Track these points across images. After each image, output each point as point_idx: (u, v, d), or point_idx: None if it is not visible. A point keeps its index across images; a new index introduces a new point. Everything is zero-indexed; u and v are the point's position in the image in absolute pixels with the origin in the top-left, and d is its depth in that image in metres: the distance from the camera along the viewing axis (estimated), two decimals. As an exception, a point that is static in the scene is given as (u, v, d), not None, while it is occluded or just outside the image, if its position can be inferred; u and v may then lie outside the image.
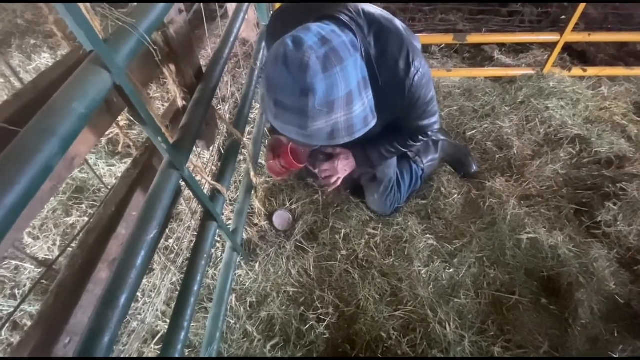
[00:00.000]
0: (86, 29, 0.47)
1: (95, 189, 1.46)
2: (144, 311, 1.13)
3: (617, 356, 1.06)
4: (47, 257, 1.26)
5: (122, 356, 1.04)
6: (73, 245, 1.18)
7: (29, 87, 0.50)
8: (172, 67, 0.86)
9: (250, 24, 2.10)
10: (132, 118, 0.63)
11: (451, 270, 1.27)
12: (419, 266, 1.27)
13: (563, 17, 2.45)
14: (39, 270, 1.22)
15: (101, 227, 0.67)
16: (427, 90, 0.93)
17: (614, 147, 1.63)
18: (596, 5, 2.31)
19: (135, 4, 0.65)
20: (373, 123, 0.80)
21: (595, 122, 1.77)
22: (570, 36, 1.79)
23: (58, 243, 1.28)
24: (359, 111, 0.75)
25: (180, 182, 0.77)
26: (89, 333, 0.52)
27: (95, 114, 0.57)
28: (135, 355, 1.04)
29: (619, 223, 1.36)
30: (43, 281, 1.12)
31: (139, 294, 1.17)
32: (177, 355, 0.75)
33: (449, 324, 1.13)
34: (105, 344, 0.52)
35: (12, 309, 1.06)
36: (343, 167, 1.17)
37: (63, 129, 0.43)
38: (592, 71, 1.98)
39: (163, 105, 1.75)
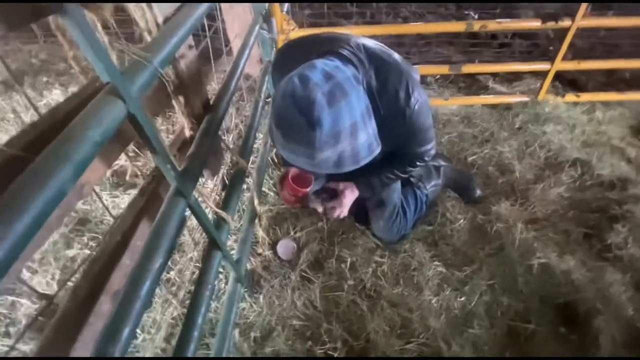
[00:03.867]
0: (105, 62, 0.49)
1: (98, 220, 1.45)
2: (142, 348, 1.08)
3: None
4: (45, 291, 1.22)
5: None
6: (73, 279, 1.15)
7: (46, 117, 0.51)
8: (182, 98, 0.88)
9: (253, 60, 2.20)
10: (141, 147, 0.64)
11: (462, 298, 1.22)
12: (429, 295, 1.23)
13: (551, 47, 2.57)
14: (36, 306, 1.18)
15: (106, 257, 0.66)
16: (426, 119, 0.97)
17: (615, 170, 1.64)
18: (582, 35, 2.42)
19: (149, 39, 0.69)
20: (378, 150, 0.82)
21: (594, 146, 1.80)
22: (561, 64, 1.86)
23: (57, 277, 1.25)
24: (364, 140, 0.77)
25: (186, 210, 0.76)
26: (89, 370, 0.49)
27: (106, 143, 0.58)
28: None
29: (629, 246, 1.33)
30: (40, 318, 1.08)
31: (137, 330, 1.12)
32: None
33: (465, 357, 1.07)
34: (107, 381, 0.49)
35: (7, 348, 1.01)
36: (349, 202, 1.19)
37: (77, 156, 0.43)
38: (585, 97, 2.04)
39: (168, 137, 1.79)
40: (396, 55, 0.92)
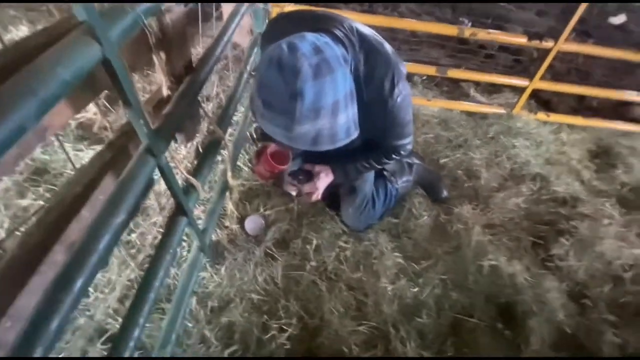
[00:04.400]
0: (84, -2, 0.46)
1: (57, 172, 1.37)
2: (94, 307, 1.05)
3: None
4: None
5: (63, 356, 0.95)
6: (22, 229, 1.09)
7: (11, 48, 0.48)
8: (163, 55, 0.84)
9: (244, 30, 2.12)
10: (112, 102, 0.61)
11: (416, 289, 1.29)
12: (386, 283, 1.28)
13: (532, 67, 2.69)
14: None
15: (63, 207, 0.63)
16: (407, 112, 0.99)
17: (569, 188, 1.77)
18: (562, 59, 2.55)
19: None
20: (355, 135, 0.83)
21: (555, 164, 1.93)
22: (538, 83, 1.96)
23: (6, 225, 1.17)
24: (343, 121, 0.78)
25: (155, 171, 0.74)
26: (36, 316, 0.48)
27: (76, 87, 0.55)
28: (78, 355, 0.95)
29: (570, 258, 1.46)
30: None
31: (90, 288, 1.09)
32: (127, 355, 0.70)
33: (410, 342, 1.14)
34: (53, 329, 0.48)
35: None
36: (324, 185, 1.19)
37: (44, 92, 0.41)
38: (554, 117, 2.17)
39: (144, 96, 1.70)
40: (387, 46, 0.93)
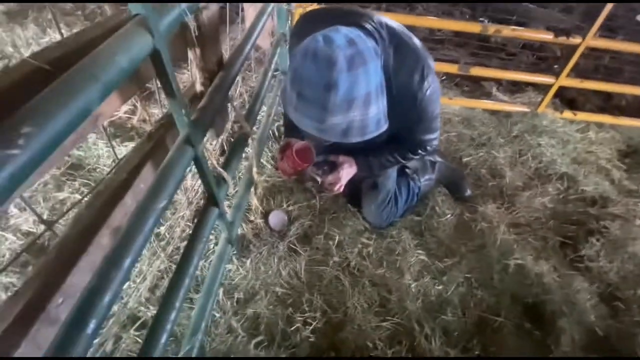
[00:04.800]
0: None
1: (91, 168, 1.43)
2: (126, 295, 1.09)
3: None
4: (31, 229, 1.21)
5: (97, 340, 0.99)
6: (62, 221, 1.14)
7: (72, 38, 0.51)
8: (198, 51, 0.88)
9: (265, 32, 2.17)
10: (144, 99, 0.64)
11: (440, 287, 1.28)
12: (409, 280, 1.28)
13: (556, 65, 2.63)
14: (21, 242, 1.18)
15: (110, 192, 0.66)
16: (435, 106, 0.99)
17: (598, 188, 1.71)
18: (587, 57, 2.48)
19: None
20: (385, 127, 0.84)
21: (582, 164, 1.87)
22: (565, 81, 1.91)
23: (45, 217, 1.24)
24: (374, 113, 0.79)
25: (192, 159, 0.77)
26: (90, 290, 0.51)
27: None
28: (112, 339, 0.99)
29: (600, 259, 1.41)
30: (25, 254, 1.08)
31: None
32: (163, 341, 0.72)
33: (435, 340, 1.13)
34: (106, 303, 0.51)
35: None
36: (347, 176, 1.20)
37: (105, 77, 0.44)
38: (581, 116, 2.11)
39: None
40: (416, 40, 0.93)
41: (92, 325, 0.49)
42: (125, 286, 1.12)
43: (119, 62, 0.46)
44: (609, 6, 1.63)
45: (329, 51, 0.70)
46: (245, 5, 1.90)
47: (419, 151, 1.13)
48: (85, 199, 0.63)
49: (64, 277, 0.58)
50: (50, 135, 0.37)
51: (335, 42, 0.71)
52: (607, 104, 2.54)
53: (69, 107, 0.39)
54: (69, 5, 2.02)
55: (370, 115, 0.78)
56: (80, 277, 0.61)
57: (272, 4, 1.38)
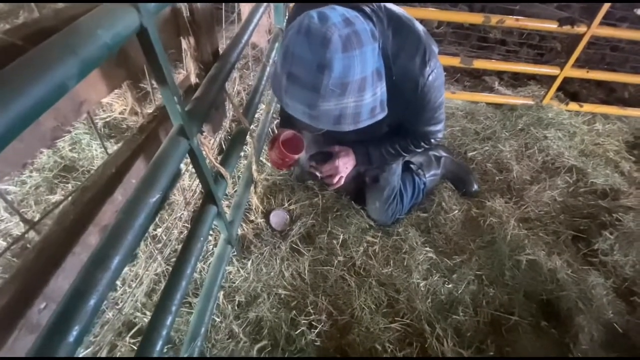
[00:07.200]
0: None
1: (85, 170, 1.38)
2: (121, 301, 1.04)
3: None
4: (21, 233, 1.16)
5: (91, 349, 0.94)
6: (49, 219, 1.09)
7: (51, 15, 0.46)
8: (192, 40, 0.83)
9: (262, 29, 2.13)
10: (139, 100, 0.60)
11: (450, 285, 1.23)
12: (418, 278, 1.22)
13: (557, 59, 2.59)
14: (12, 248, 1.12)
15: (98, 188, 0.61)
16: (439, 94, 0.93)
17: (608, 180, 1.66)
18: (588, 48, 2.44)
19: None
20: (380, 116, 0.79)
21: (590, 156, 1.82)
22: (570, 71, 1.87)
23: (36, 220, 1.18)
24: (369, 100, 0.74)
25: (187, 152, 0.72)
26: (73, 292, 0.45)
27: (110, 63, 0.54)
28: (107, 348, 0.94)
29: (615, 253, 1.36)
30: (8, 256, 1.03)
31: (118, 282, 1.08)
32: (159, 345, 0.67)
33: (447, 341, 1.08)
34: (91, 307, 0.46)
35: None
36: (344, 165, 1.13)
37: (85, 52, 0.39)
38: (587, 107, 2.06)
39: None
40: (418, 24, 0.88)
41: (74, 333, 0.44)
42: (120, 291, 1.07)
43: (100, 36, 0.42)
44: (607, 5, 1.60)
45: (324, 29, 0.64)
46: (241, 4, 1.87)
47: (422, 144, 1.07)
48: (72, 196, 0.58)
49: (47, 279, 0.53)
50: (18, 111, 0.32)
51: (330, 20, 0.65)
52: (610, 96, 2.50)
53: (41, 80, 0.34)
54: (59, 6, 1.98)
55: (365, 102, 0.73)
56: (65, 280, 0.56)
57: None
